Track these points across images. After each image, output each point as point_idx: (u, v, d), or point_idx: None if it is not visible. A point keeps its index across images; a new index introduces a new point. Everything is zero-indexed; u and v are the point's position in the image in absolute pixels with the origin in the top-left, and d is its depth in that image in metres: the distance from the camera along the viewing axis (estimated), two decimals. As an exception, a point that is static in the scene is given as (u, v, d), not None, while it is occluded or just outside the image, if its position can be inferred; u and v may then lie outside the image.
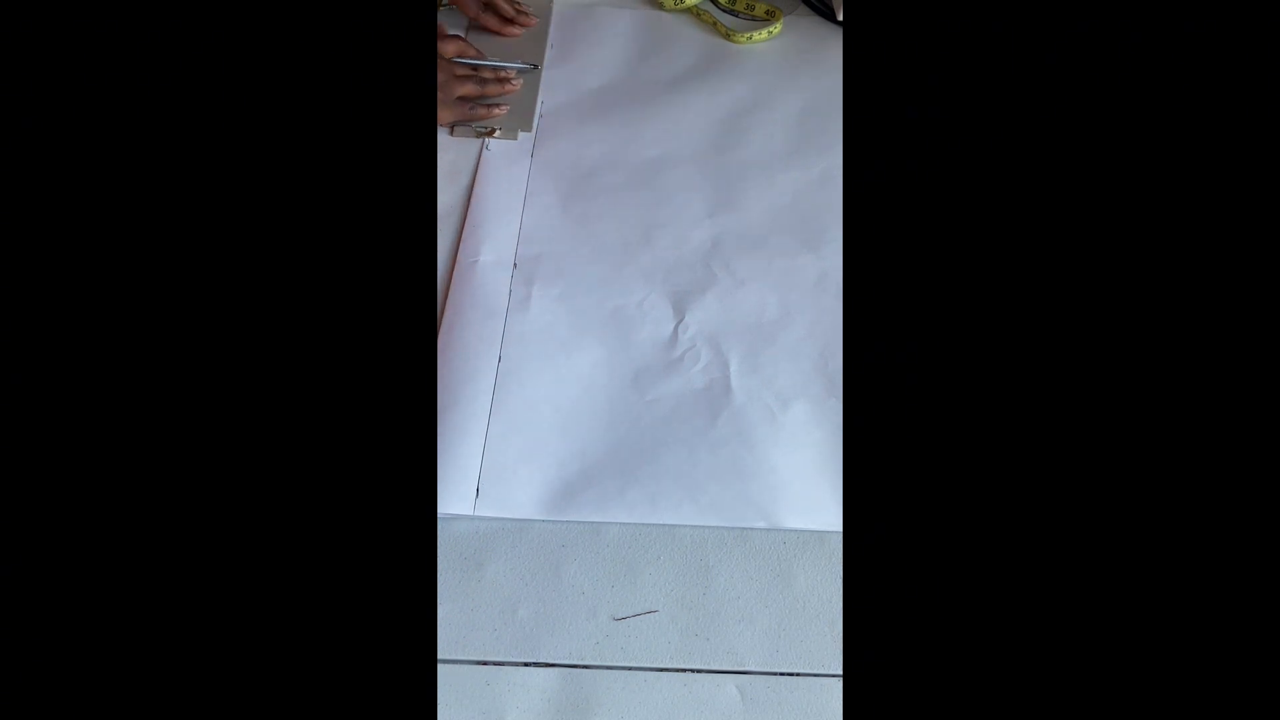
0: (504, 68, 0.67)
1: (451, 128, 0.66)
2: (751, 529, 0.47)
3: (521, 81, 0.68)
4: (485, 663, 0.44)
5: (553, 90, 0.70)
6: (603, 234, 0.60)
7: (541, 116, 0.67)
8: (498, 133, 0.65)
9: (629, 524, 0.48)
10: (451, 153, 0.64)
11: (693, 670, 0.44)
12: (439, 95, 0.63)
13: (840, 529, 0.47)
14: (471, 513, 0.48)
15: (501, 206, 0.62)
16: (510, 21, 0.71)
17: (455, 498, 0.48)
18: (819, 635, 0.44)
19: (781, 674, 0.43)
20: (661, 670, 0.44)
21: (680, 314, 0.56)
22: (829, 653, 0.44)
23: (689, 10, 0.75)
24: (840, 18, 0.73)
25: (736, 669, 0.44)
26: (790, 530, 0.47)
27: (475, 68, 0.67)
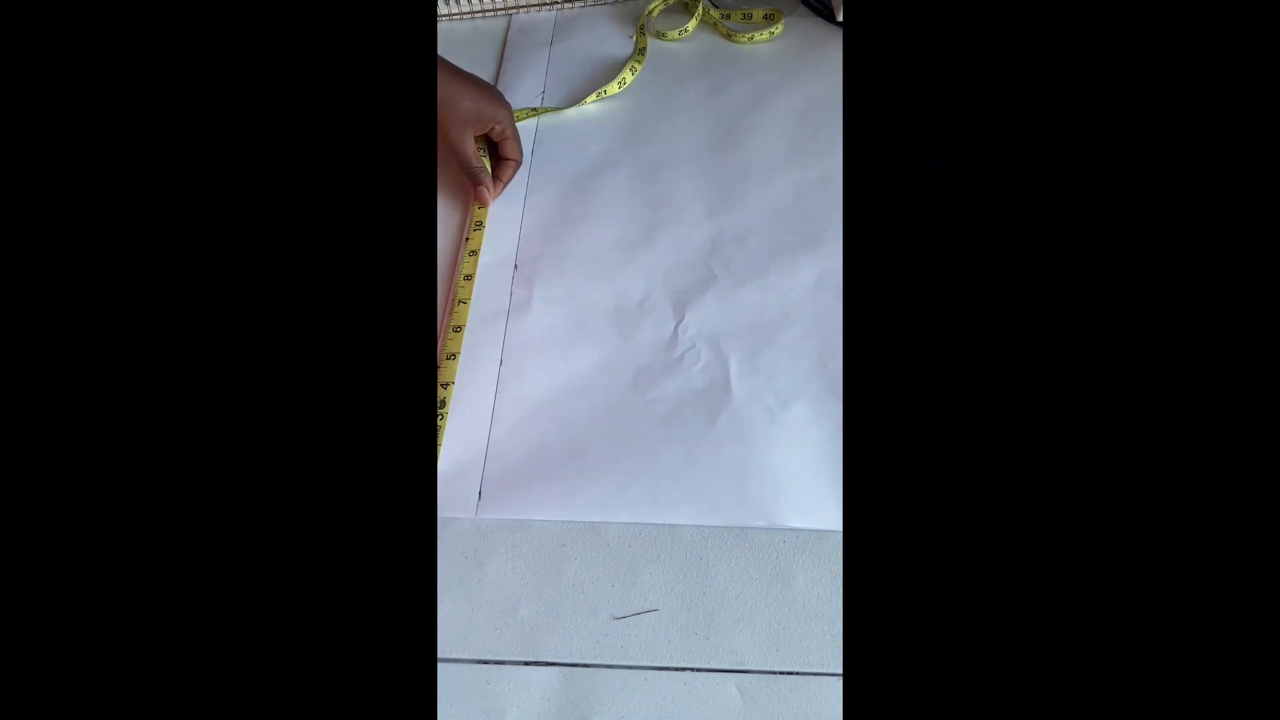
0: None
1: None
2: (751, 528, 0.47)
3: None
4: (485, 662, 0.44)
5: (553, 90, 0.70)
6: (603, 234, 0.60)
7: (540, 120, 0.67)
8: None
9: (629, 524, 0.48)
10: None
11: (693, 670, 0.44)
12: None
13: (840, 529, 0.47)
14: (474, 515, 0.48)
15: (501, 207, 0.62)
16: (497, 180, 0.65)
17: (458, 501, 0.48)
18: (819, 635, 0.44)
19: (781, 673, 0.43)
20: (661, 669, 0.44)
21: (680, 314, 0.56)
22: (829, 652, 0.44)
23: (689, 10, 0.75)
24: (840, 18, 0.73)
25: (736, 668, 0.44)
26: (790, 530, 0.47)
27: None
